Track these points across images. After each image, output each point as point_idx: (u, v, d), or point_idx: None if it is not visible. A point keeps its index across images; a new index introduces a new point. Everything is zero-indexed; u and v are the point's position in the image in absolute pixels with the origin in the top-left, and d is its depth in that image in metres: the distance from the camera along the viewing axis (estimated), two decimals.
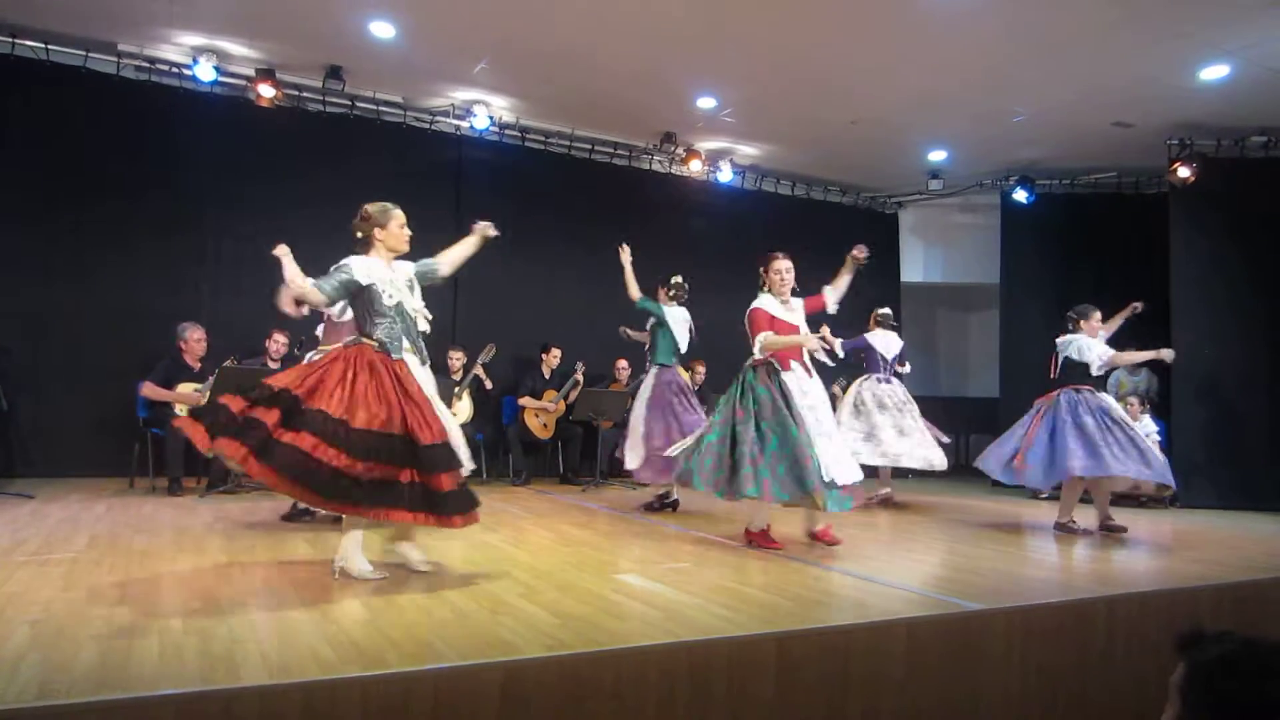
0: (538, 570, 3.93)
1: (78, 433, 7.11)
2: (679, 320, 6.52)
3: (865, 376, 7.51)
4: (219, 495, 6.31)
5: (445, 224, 8.90)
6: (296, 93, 8.03)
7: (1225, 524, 6.82)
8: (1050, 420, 5.82)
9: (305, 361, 4.18)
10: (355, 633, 2.72)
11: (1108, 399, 5.91)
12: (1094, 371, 5.88)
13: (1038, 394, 6.23)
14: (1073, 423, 5.70)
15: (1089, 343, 5.92)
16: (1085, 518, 5.99)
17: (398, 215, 3.80)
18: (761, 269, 5.01)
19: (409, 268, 3.87)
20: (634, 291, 6.49)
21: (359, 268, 3.68)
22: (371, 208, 3.78)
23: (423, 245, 3.99)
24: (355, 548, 3.62)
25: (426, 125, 8.67)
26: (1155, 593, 3.95)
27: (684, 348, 6.57)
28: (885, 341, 7.59)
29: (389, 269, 3.78)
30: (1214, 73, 7.12)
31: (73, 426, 7.11)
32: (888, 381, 7.44)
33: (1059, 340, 6.10)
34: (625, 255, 6.42)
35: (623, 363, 8.86)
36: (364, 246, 3.77)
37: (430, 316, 3.91)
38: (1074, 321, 6.04)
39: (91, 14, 6.83)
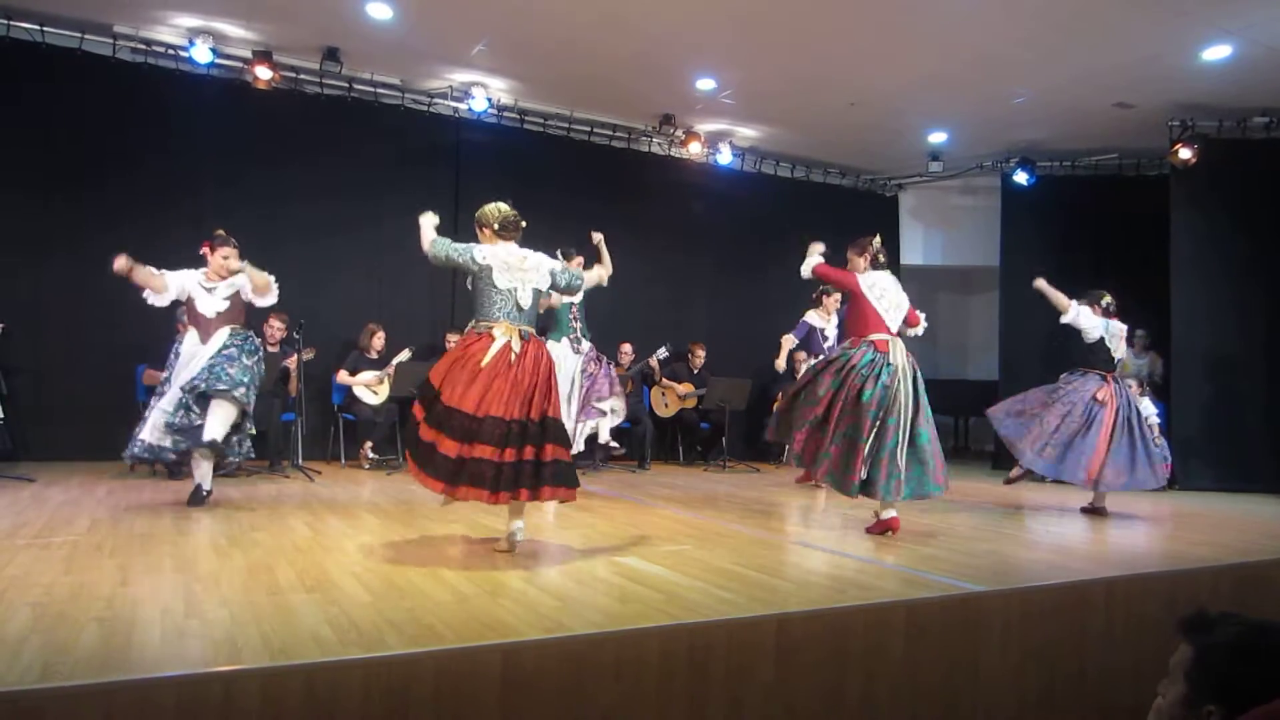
0: (538, 553, 3.94)
1: (78, 416, 7.11)
2: None
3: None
4: (219, 478, 6.29)
5: (444, 206, 8.89)
6: (294, 75, 7.97)
7: (1224, 505, 6.83)
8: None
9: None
10: (356, 615, 2.73)
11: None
12: None
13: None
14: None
15: None
16: (1080, 498, 6.02)
17: None
18: None
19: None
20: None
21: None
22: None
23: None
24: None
25: (425, 107, 8.62)
26: (1154, 574, 3.97)
27: None
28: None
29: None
30: (1216, 53, 7.06)
31: (73, 410, 7.10)
32: None
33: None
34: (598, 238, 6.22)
35: (626, 346, 8.84)
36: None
37: None
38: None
39: None
